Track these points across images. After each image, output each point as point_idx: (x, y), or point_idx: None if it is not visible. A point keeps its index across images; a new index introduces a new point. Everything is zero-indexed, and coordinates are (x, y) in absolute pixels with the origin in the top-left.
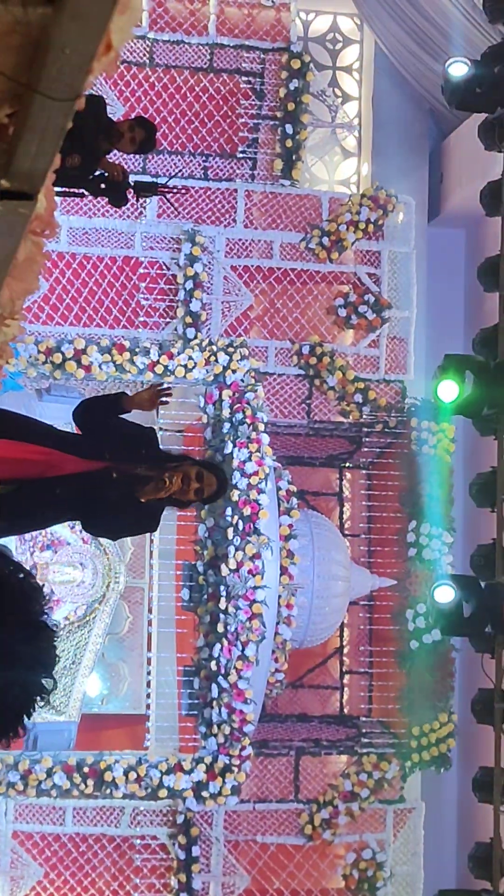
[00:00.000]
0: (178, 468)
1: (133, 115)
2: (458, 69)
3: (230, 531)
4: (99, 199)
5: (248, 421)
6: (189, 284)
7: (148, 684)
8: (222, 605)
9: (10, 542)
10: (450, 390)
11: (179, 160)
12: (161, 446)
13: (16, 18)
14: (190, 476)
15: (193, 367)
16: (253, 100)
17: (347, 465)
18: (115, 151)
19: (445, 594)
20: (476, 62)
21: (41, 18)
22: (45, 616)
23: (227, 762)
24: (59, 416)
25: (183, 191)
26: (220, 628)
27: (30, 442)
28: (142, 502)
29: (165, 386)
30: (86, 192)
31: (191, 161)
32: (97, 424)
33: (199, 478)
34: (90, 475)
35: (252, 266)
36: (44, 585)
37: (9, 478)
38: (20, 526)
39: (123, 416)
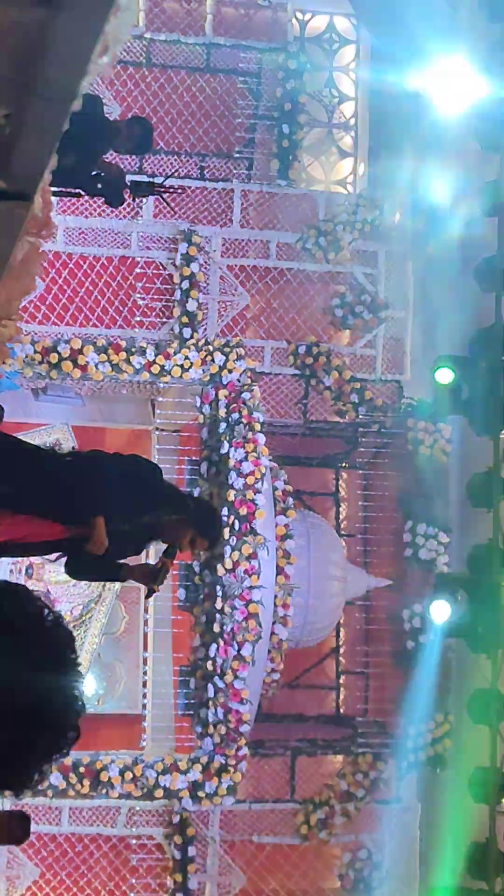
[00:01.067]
0: (170, 534)
1: (130, 115)
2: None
3: (226, 531)
4: (95, 198)
5: (244, 421)
6: (185, 284)
7: (144, 684)
8: (218, 605)
9: None
10: (446, 375)
11: (176, 160)
12: (163, 484)
13: (13, 20)
14: (183, 545)
15: (190, 367)
16: (249, 100)
17: (344, 465)
18: (112, 152)
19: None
20: None
21: (38, 20)
22: (77, 664)
23: (224, 762)
24: (55, 415)
25: (179, 191)
26: (217, 628)
27: (32, 510)
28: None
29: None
30: (82, 192)
31: (187, 161)
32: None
33: (192, 543)
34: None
35: (248, 266)
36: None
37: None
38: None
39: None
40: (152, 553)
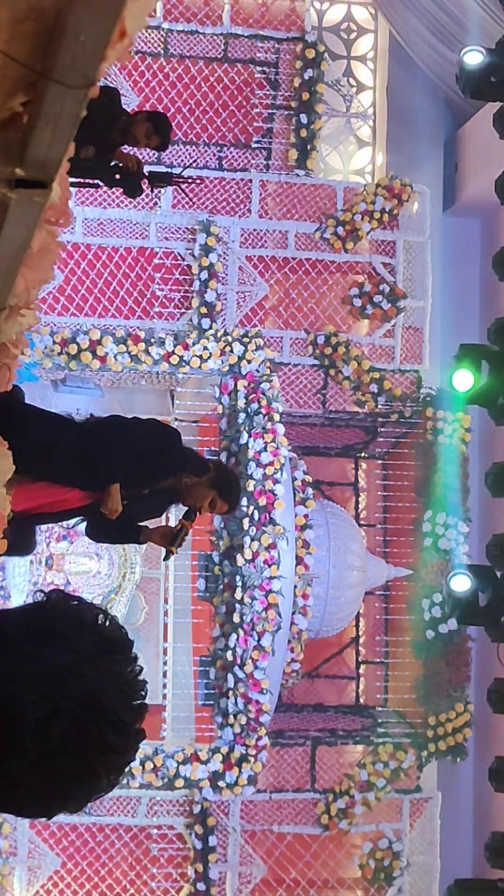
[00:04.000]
0: (191, 496)
1: (148, 108)
2: (474, 58)
3: (246, 521)
4: (114, 189)
5: (263, 411)
6: (204, 275)
7: (164, 675)
8: (238, 595)
9: None
10: (465, 380)
11: (194, 150)
12: (183, 449)
13: (30, 5)
14: (203, 508)
15: (209, 358)
16: (267, 89)
17: (363, 454)
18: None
19: (462, 583)
20: (491, 50)
21: (55, 5)
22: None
23: (244, 752)
24: (74, 405)
25: (198, 181)
26: (236, 618)
27: (51, 478)
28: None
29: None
30: (100, 183)
31: (205, 151)
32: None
33: (211, 505)
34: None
35: (267, 256)
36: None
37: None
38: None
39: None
40: (172, 518)
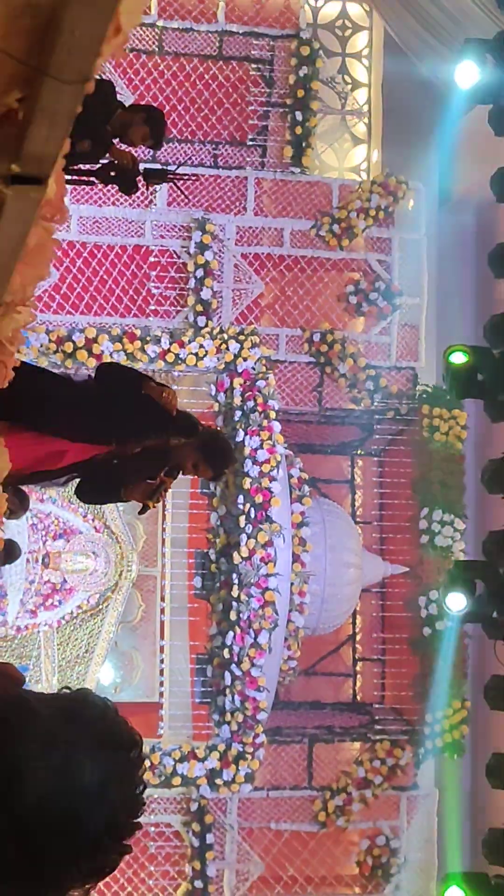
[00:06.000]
0: (176, 456)
1: (144, 105)
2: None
3: (242, 519)
4: (109, 187)
5: (259, 409)
6: (200, 272)
7: (161, 672)
8: (235, 592)
9: (23, 531)
10: (460, 357)
11: (189, 148)
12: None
13: (25, 1)
14: (186, 466)
15: (204, 356)
16: (262, 87)
17: (359, 452)
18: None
19: (457, 601)
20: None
21: (51, 1)
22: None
23: (241, 750)
24: None
25: (193, 178)
26: (233, 616)
27: (45, 429)
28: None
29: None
30: (95, 181)
31: (200, 149)
32: (115, 393)
33: (195, 467)
34: (93, 459)
35: (262, 254)
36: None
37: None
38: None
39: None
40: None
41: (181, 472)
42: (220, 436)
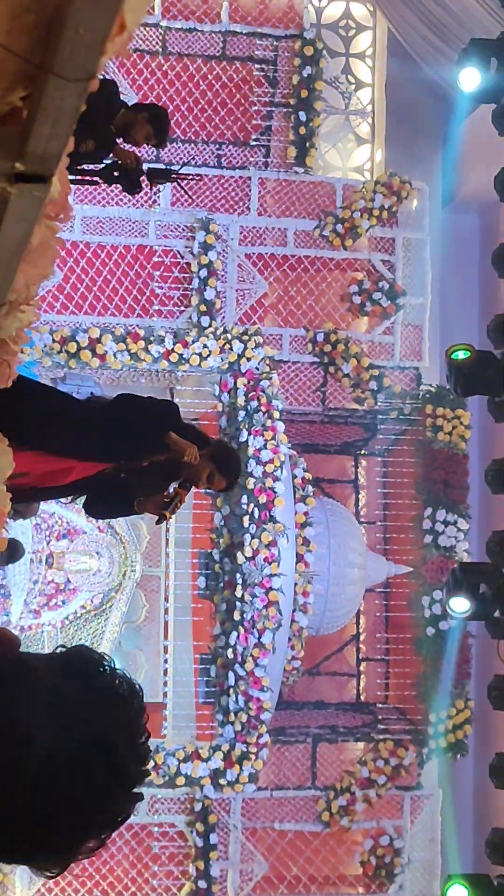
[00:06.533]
0: (189, 468)
1: (148, 104)
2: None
3: (246, 519)
4: (112, 187)
5: (263, 409)
6: (203, 273)
7: (165, 672)
8: (238, 593)
9: (27, 531)
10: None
11: (193, 148)
12: (182, 422)
13: None
14: (200, 479)
15: (208, 356)
16: (266, 87)
17: (363, 452)
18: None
19: (461, 605)
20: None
21: None
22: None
23: (245, 750)
24: None
25: (196, 178)
26: (237, 616)
27: (49, 449)
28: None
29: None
30: (99, 180)
31: (204, 149)
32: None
33: (209, 479)
34: (100, 474)
35: (266, 254)
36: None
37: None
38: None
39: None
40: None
41: (195, 485)
42: (229, 446)
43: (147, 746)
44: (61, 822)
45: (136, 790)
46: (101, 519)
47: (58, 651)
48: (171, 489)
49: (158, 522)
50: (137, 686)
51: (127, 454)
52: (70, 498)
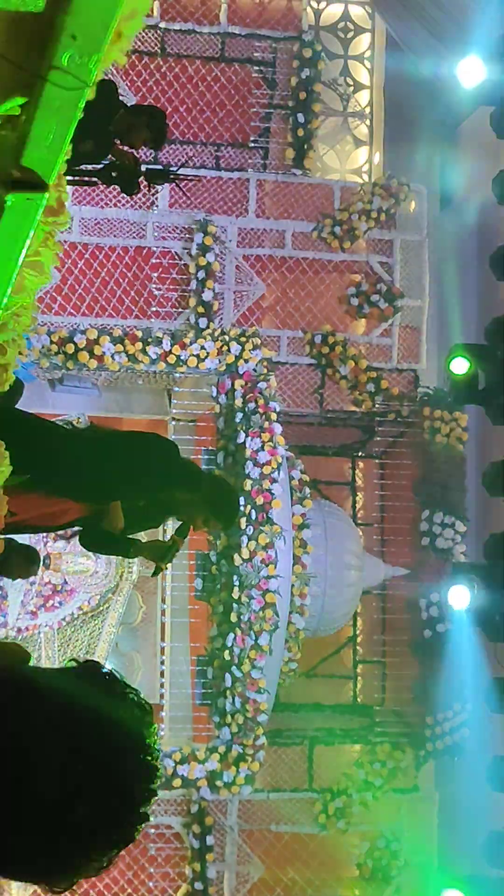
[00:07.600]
0: (184, 512)
1: (146, 105)
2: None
3: (243, 521)
4: (110, 188)
5: (260, 410)
6: (201, 274)
7: (161, 674)
8: (235, 594)
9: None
10: (462, 365)
11: (191, 150)
12: (180, 462)
13: (25, 6)
14: (196, 525)
15: (206, 357)
16: (264, 89)
17: (360, 454)
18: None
19: (461, 597)
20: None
21: (51, 6)
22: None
23: (241, 751)
24: (71, 406)
25: (194, 179)
26: (234, 618)
27: (52, 491)
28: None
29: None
30: (97, 181)
31: (202, 151)
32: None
33: (205, 523)
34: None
35: (264, 255)
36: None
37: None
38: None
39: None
40: (170, 529)
41: (192, 529)
42: (225, 484)
43: (156, 766)
44: (68, 843)
45: (142, 810)
46: (94, 552)
47: (68, 665)
48: (167, 537)
49: (155, 574)
50: (147, 705)
51: (130, 498)
52: (67, 534)
